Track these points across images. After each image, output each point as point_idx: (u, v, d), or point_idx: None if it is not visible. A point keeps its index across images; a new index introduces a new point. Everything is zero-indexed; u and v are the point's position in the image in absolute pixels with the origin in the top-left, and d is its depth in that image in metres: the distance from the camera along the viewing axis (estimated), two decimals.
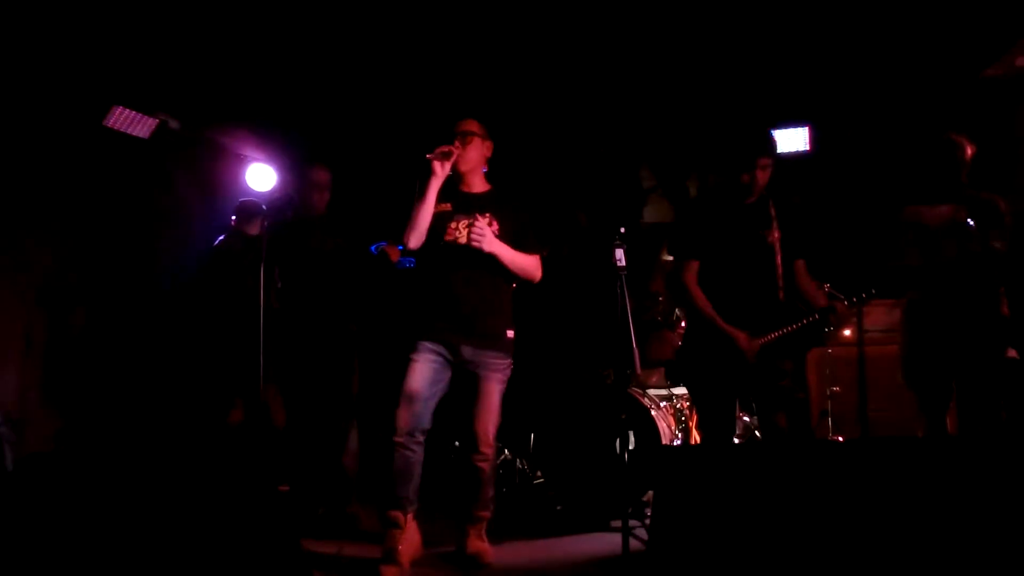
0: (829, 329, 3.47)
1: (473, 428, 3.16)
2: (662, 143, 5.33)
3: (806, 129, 4.84)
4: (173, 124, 4.74)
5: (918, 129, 4.18)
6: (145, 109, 4.54)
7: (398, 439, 3.12)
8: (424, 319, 3.19)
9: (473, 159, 3.25)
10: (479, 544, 3.22)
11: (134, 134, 4.53)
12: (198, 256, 4.28)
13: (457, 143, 3.19)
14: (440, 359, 3.17)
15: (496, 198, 3.30)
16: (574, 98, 4.99)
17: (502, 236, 3.20)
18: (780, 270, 3.08)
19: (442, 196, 3.22)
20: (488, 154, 3.32)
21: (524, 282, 3.32)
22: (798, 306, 3.11)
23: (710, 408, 3.18)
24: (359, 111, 5.04)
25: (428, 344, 3.17)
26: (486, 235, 3.13)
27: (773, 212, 3.11)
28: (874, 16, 4.32)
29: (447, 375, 3.19)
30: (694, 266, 3.15)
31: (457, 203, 3.24)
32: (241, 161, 4.63)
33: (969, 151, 3.40)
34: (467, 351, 3.16)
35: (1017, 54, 4.33)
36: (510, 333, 3.24)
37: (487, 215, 3.22)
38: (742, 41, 4.57)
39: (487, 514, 3.26)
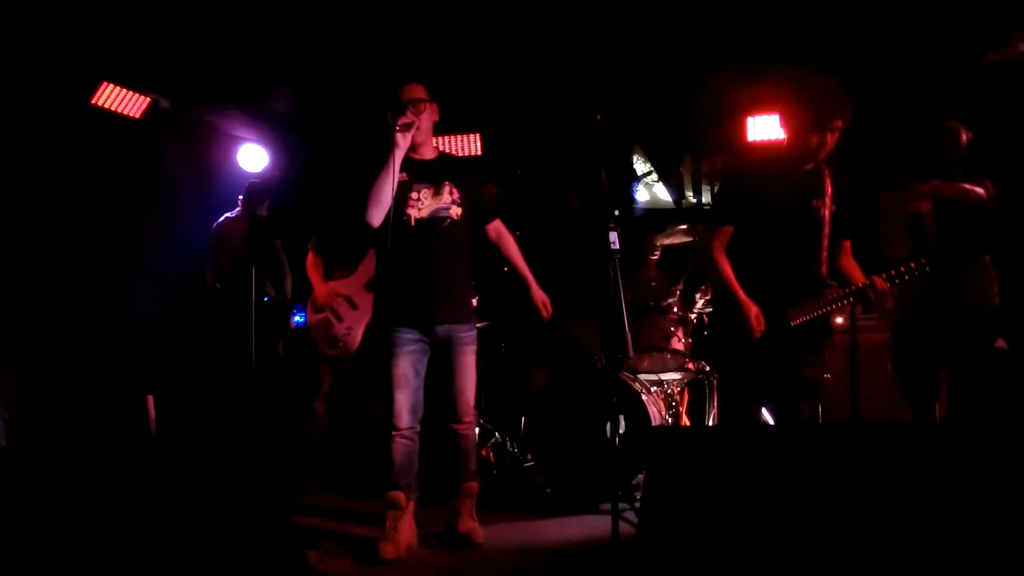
0: (869, 308, 3.31)
1: (454, 400, 3.15)
2: (655, 126, 5.31)
3: None
4: (164, 103, 4.71)
5: (918, 115, 4.16)
6: (136, 87, 4.50)
7: (399, 432, 3.11)
8: (394, 303, 3.12)
9: (426, 128, 3.15)
10: (470, 523, 3.22)
11: (125, 113, 4.49)
12: (206, 236, 4.28)
13: (409, 112, 3.07)
14: (419, 344, 3.15)
15: (448, 164, 3.23)
16: (567, 81, 4.95)
17: (463, 202, 3.15)
18: (826, 242, 2.89)
19: (400, 166, 3.10)
20: (436, 119, 3.22)
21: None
22: (830, 284, 2.95)
23: (741, 389, 3.01)
24: (352, 89, 5.00)
25: (404, 332, 3.12)
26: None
27: (829, 184, 2.90)
28: (873, 0, 4.29)
29: (427, 357, 3.19)
30: (725, 232, 2.93)
31: (412, 172, 3.15)
32: (233, 141, 4.62)
33: (965, 137, 3.39)
34: (441, 329, 3.14)
35: (1019, 40, 4.30)
36: (473, 302, 3.23)
37: (446, 184, 3.14)
38: (736, 25, 4.54)
39: (475, 486, 3.25)
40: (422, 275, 3.11)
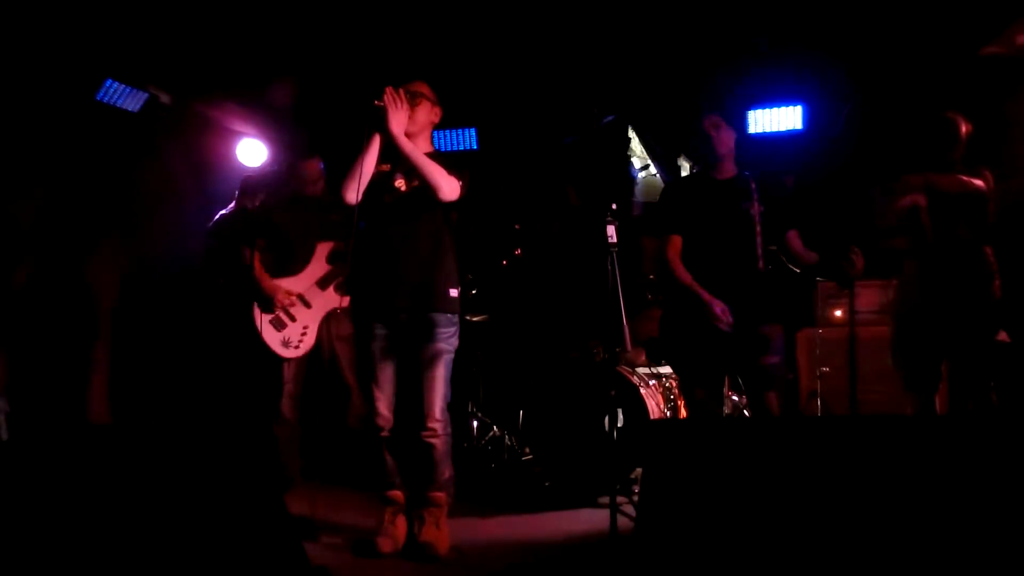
0: (845, 267, 3.22)
1: (420, 401, 2.98)
2: (654, 119, 5.30)
3: (800, 108, 4.81)
4: (164, 98, 4.70)
5: (916, 107, 4.14)
6: (135, 82, 4.50)
7: (384, 432, 3.07)
8: (365, 291, 3.06)
9: (420, 121, 3.09)
10: (434, 532, 3.01)
11: (124, 107, 4.49)
12: (203, 231, 4.26)
13: (404, 95, 3.00)
14: (392, 338, 3.06)
15: (436, 160, 3.13)
16: (566, 73, 4.94)
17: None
18: (759, 239, 3.11)
19: (384, 156, 3.06)
20: (436, 120, 3.18)
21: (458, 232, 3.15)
22: (776, 276, 3.15)
23: (695, 385, 3.16)
24: (348, 84, 4.98)
25: (376, 326, 3.05)
26: (398, 109, 2.93)
27: (753, 187, 3.14)
28: None
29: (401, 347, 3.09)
30: (677, 241, 3.16)
31: (398, 163, 3.08)
32: (232, 136, 4.61)
33: (964, 129, 3.36)
34: (410, 317, 3.01)
35: (1017, 32, 4.28)
36: (454, 292, 3.05)
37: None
38: (738, 18, 4.52)
39: (444, 496, 3.05)
40: (391, 259, 3.02)
